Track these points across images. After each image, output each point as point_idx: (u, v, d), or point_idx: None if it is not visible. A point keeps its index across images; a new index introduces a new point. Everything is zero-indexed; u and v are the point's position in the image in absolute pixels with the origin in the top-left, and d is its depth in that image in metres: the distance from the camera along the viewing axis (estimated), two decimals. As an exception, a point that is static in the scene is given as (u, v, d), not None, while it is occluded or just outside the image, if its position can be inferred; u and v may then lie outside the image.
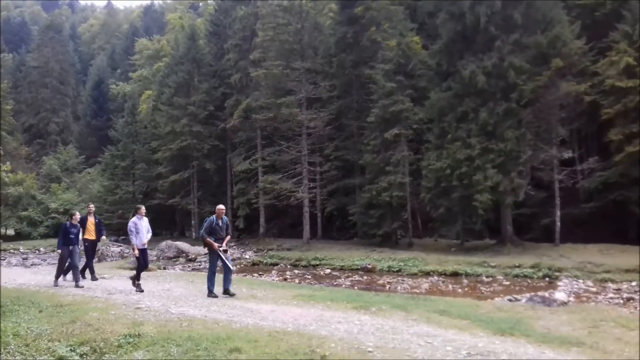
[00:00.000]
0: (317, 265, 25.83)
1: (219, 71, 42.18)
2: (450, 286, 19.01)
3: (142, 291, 11.48)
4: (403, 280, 20.38)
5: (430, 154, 27.50)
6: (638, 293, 15.95)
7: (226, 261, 10.93)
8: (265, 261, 28.53)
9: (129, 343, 6.76)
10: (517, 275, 20.43)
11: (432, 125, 28.62)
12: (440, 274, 21.43)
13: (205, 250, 11.87)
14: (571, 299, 15.09)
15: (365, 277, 21.09)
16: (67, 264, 13.24)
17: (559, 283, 18.72)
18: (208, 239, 10.78)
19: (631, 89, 26.49)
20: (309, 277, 22.33)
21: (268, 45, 35.27)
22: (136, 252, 11.70)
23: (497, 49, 25.53)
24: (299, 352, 5.99)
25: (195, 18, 68.49)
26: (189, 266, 26.37)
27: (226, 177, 41.98)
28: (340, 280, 20.96)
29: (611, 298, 15.91)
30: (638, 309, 13.23)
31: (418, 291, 17.49)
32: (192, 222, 42.58)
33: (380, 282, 20.08)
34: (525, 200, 27.42)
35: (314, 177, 34.42)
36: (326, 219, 36.90)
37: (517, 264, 21.73)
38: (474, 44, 26.86)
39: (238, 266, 28.49)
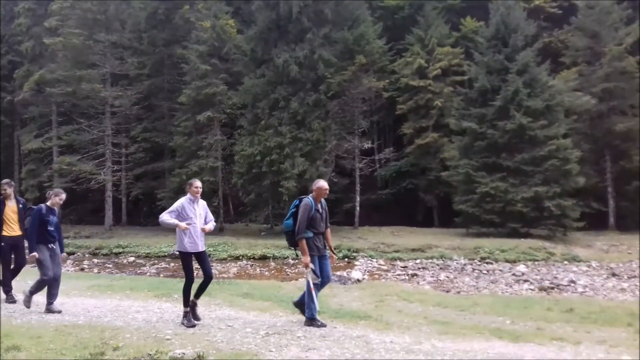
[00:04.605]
0: (120, 253, 24.35)
1: (6, 36, 36.86)
2: (258, 269, 19.44)
3: (193, 325, 6.53)
4: (212, 266, 20.21)
5: (243, 139, 27.64)
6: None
7: (311, 276, 6.81)
8: (60, 250, 25.91)
9: None
10: (320, 257, 21.69)
11: (245, 111, 28.77)
12: (249, 258, 21.81)
13: None
14: (365, 277, 16.56)
15: (172, 264, 20.38)
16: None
17: (356, 263, 20.44)
18: (305, 240, 6.78)
19: (422, 87, 30.22)
20: (110, 266, 20.93)
21: (67, 13, 31.74)
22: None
23: (309, 41, 26.59)
24: (88, 345, 5.54)
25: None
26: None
27: (13, 157, 37.15)
28: (145, 268, 20.05)
29: (398, 275, 17.83)
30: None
31: (226, 276, 17.53)
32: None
33: (188, 268, 19.63)
34: (330, 186, 29.21)
35: (119, 160, 32.12)
36: (132, 203, 34.91)
37: (321, 246, 23.07)
38: (287, 33, 27.60)
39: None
